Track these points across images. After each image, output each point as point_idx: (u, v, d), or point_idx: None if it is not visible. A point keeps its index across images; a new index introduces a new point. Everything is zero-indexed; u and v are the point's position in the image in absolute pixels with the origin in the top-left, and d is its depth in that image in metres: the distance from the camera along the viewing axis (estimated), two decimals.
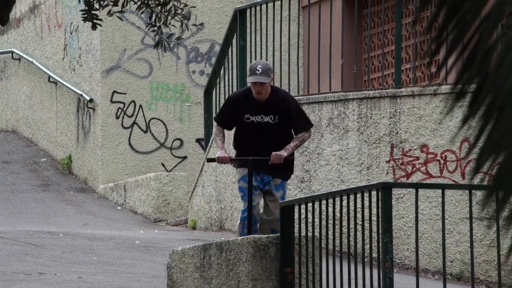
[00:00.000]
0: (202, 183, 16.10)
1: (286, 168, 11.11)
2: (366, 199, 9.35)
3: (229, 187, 15.18)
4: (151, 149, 18.61)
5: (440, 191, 10.01)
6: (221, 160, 11.22)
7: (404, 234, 10.89)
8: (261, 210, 11.60)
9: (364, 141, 13.57)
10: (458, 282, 10.37)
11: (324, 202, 9.79)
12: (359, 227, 9.37)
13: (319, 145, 13.93)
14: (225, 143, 11.24)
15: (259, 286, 9.88)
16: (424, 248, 10.54)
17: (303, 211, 9.93)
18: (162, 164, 18.36)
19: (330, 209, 9.68)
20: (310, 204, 9.87)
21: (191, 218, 16.31)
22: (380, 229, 9.19)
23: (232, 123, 11.22)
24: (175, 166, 18.35)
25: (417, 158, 13.16)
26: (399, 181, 12.70)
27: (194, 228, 15.96)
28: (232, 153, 12.04)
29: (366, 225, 9.32)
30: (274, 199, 11.13)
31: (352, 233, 9.37)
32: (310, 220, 9.83)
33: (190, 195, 16.60)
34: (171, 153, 18.60)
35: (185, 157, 18.41)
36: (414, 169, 13.12)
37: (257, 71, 10.81)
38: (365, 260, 9.30)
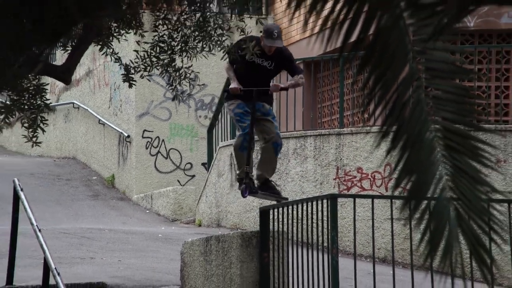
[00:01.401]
0: (206, 194, 16.05)
1: (270, 99, 10.17)
2: (320, 205, 9.36)
3: (224, 197, 15.13)
4: (170, 170, 18.52)
5: (370, 200, 10.00)
6: (233, 91, 9.82)
7: (346, 230, 10.85)
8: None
9: (318, 165, 13.53)
10: (383, 263, 10.30)
11: (290, 207, 9.76)
12: (314, 225, 9.35)
13: (287, 167, 13.87)
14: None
15: (245, 266, 9.82)
16: (359, 240, 10.49)
17: (276, 214, 9.91)
18: (178, 181, 18.25)
19: (295, 212, 9.65)
20: (281, 209, 9.86)
21: (197, 219, 16.22)
22: (329, 227, 9.19)
23: (238, 61, 9.72)
24: (186, 182, 18.25)
25: (355, 177, 13.13)
26: (342, 192, 12.66)
27: (200, 225, 15.86)
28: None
29: (320, 223, 9.30)
30: (268, 119, 10.01)
31: (310, 229, 9.35)
32: (281, 220, 9.81)
33: (197, 202, 16.52)
34: (184, 173, 18.50)
35: (193, 176, 18.31)
36: (353, 184, 13.09)
37: (274, 35, 9.61)
38: (319, 248, 9.28)
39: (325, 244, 9.21)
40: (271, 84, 10.11)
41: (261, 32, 9.71)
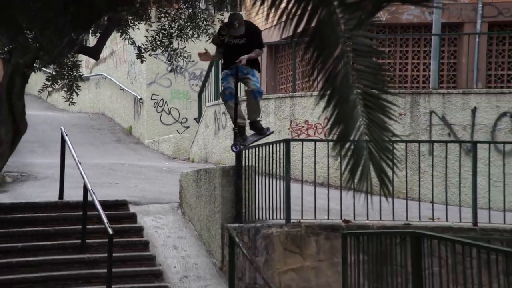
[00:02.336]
0: (197, 139, 16.08)
1: (252, 63, 9.21)
2: (278, 147, 9.44)
3: (210, 142, 15.17)
4: (171, 123, 18.51)
5: (313, 143, 10.09)
6: (205, 58, 9.58)
7: (296, 164, 10.92)
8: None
9: (277, 118, 13.59)
10: (321, 186, 10.43)
11: (257, 148, 9.82)
12: (274, 161, 9.43)
13: None
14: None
15: (225, 189, 9.87)
16: (305, 170, 10.57)
17: (247, 153, 9.97)
18: (177, 130, 18.23)
19: (260, 152, 9.72)
20: (250, 150, 9.92)
21: (191, 157, 16.27)
22: (284, 162, 9.28)
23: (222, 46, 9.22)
24: (183, 131, 18.25)
25: (303, 127, 13.21)
26: (294, 138, 12.75)
27: (193, 161, 15.91)
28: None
29: (278, 160, 9.39)
30: (248, 77, 9.26)
31: (271, 164, 9.43)
32: (250, 158, 9.88)
33: (191, 145, 16.56)
34: (181, 125, 18.50)
35: (188, 127, 18.31)
36: (301, 132, 13.17)
37: (235, 25, 8.99)
38: (277, 176, 9.38)
39: (281, 174, 9.31)
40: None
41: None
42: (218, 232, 9.92)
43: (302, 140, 10.65)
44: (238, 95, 9.56)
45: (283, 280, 8.85)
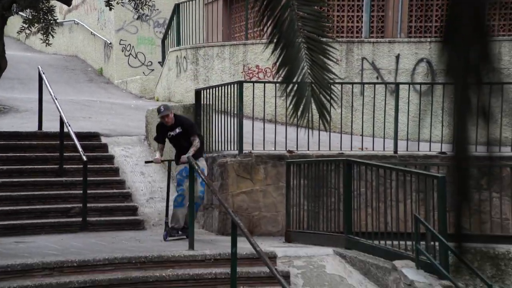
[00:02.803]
0: (161, 81, 15.87)
1: (196, 156, 8.13)
2: (232, 88, 9.40)
3: (172, 83, 15.02)
4: (138, 65, 18.19)
5: (263, 84, 10.07)
6: (156, 161, 8.57)
7: (248, 103, 10.87)
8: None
9: (232, 63, 13.50)
10: (270, 123, 10.44)
11: (215, 89, 9.77)
12: (228, 100, 9.40)
13: (212, 65, 13.81)
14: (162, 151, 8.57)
15: None
16: (256, 109, 10.57)
17: (205, 93, 9.92)
18: (143, 72, 17.95)
19: (217, 92, 9.67)
20: (209, 90, 9.86)
21: (156, 96, 16.08)
22: (237, 101, 9.26)
23: (162, 138, 8.49)
24: (149, 73, 17.98)
25: (254, 71, 13.16)
26: (246, 80, 12.71)
27: (157, 100, 15.70)
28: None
29: (232, 99, 9.36)
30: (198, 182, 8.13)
31: (226, 103, 9.41)
32: (208, 97, 9.83)
33: (156, 86, 16.35)
34: (147, 67, 18.21)
35: (153, 69, 18.02)
36: (253, 75, 13.12)
37: (161, 110, 8.31)
38: (231, 113, 9.39)
39: (235, 111, 9.30)
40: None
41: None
42: None
43: (253, 82, 10.62)
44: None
45: (236, 201, 8.97)
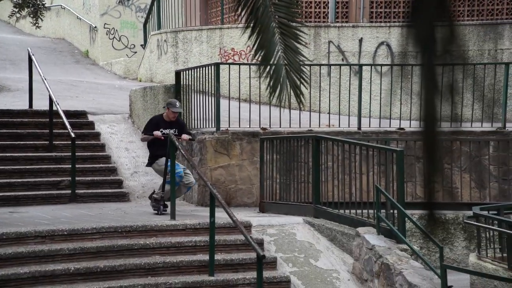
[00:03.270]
0: (143, 62, 15.58)
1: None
2: (210, 70, 9.25)
3: (154, 64, 14.78)
4: (121, 48, 17.81)
5: (238, 66, 9.93)
6: (157, 136, 7.74)
7: (225, 83, 10.73)
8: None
9: (209, 46, 13.30)
10: (245, 102, 10.36)
11: (194, 70, 9.60)
12: (206, 81, 9.26)
13: (190, 48, 13.61)
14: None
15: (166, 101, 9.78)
16: (232, 89, 10.44)
17: (185, 74, 9.75)
18: (126, 55, 17.59)
19: (196, 74, 9.51)
20: (188, 71, 9.70)
21: (139, 77, 15.81)
22: (215, 81, 9.11)
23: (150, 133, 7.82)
24: (132, 55, 17.62)
25: (230, 53, 12.99)
26: (222, 62, 12.54)
27: (140, 81, 15.45)
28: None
29: (210, 80, 9.22)
30: (187, 171, 7.94)
31: (204, 83, 9.27)
32: (188, 78, 9.68)
33: (138, 67, 16.05)
34: (130, 50, 17.84)
35: (136, 52, 17.64)
36: (229, 58, 12.97)
37: (176, 105, 7.79)
38: (209, 93, 9.25)
39: (213, 91, 9.18)
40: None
41: (164, 106, 8.08)
42: None
43: (229, 64, 10.47)
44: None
45: (214, 174, 8.91)
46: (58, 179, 8.93)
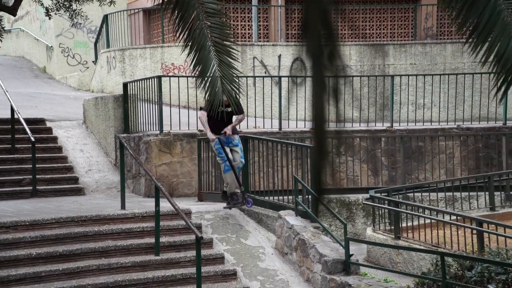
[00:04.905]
0: (95, 76, 15.11)
1: (234, 132, 7.00)
2: (153, 82, 9.05)
3: (104, 77, 14.36)
4: (75, 64, 17.15)
5: (177, 78, 9.76)
6: (212, 140, 6.97)
7: (166, 93, 10.53)
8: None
9: (152, 62, 13.08)
10: (184, 108, 10.24)
11: (139, 82, 9.37)
12: (151, 91, 9.08)
13: (136, 63, 13.31)
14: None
15: (116, 110, 9.51)
16: (172, 97, 10.31)
17: (132, 86, 9.52)
18: (80, 70, 17.02)
19: (141, 85, 9.30)
20: (134, 83, 9.47)
21: (91, 89, 15.28)
22: (157, 92, 8.92)
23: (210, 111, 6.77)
24: (85, 70, 17.00)
25: (171, 67, 12.83)
26: (164, 75, 12.35)
27: (92, 92, 14.94)
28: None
29: (153, 91, 9.05)
30: (236, 150, 7.08)
31: (148, 93, 9.09)
32: (134, 88, 9.45)
33: (91, 80, 15.54)
34: (83, 66, 17.26)
35: (88, 67, 17.07)
36: (169, 71, 12.78)
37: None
38: (153, 101, 9.08)
39: (156, 99, 9.04)
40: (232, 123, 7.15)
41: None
42: (112, 140, 9.62)
43: (170, 76, 10.38)
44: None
45: (158, 170, 8.80)
46: (20, 177, 8.54)
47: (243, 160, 7.00)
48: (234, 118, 7.18)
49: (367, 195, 7.84)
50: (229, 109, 6.82)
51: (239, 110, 7.05)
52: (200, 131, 9.10)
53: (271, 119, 9.82)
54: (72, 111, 11.43)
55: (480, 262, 4.78)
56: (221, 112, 6.77)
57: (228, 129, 6.93)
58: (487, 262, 4.70)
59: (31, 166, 8.32)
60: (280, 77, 10.17)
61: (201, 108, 7.05)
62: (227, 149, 6.82)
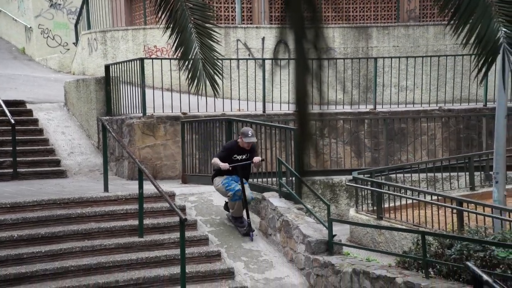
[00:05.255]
0: (76, 58, 14.84)
1: (248, 174, 6.76)
2: (135, 64, 8.98)
3: (86, 59, 14.13)
4: (55, 46, 16.83)
5: (160, 60, 9.64)
6: (224, 167, 6.42)
7: (149, 75, 10.46)
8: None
9: (134, 44, 12.90)
10: (167, 91, 10.17)
11: (121, 64, 9.27)
12: (133, 73, 8.99)
13: (118, 45, 13.13)
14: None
15: (98, 93, 9.42)
16: (155, 80, 10.18)
17: (114, 68, 9.39)
18: (60, 51, 16.72)
19: (123, 67, 9.20)
20: (116, 65, 9.35)
21: (72, 71, 15.05)
22: (140, 74, 8.86)
23: (224, 159, 6.48)
24: (65, 52, 16.73)
25: (153, 50, 12.69)
26: (146, 57, 12.23)
27: (73, 74, 14.72)
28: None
29: (136, 73, 8.94)
30: (246, 187, 6.54)
31: (131, 75, 8.99)
32: (116, 71, 9.34)
33: (72, 62, 15.29)
34: (63, 47, 16.95)
35: (69, 49, 16.79)
36: (152, 54, 12.63)
37: (249, 134, 6.42)
38: (136, 84, 9.00)
39: (139, 82, 8.96)
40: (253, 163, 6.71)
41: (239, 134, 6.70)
42: (95, 123, 9.53)
43: (152, 59, 10.24)
44: None
45: (142, 153, 8.77)
46: (1, 159, 8.42)
47: (253, 196, 6.71)
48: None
49: (350, 177, 7.92)
50: (244, 157, 6.51)
51: (255, 154, 6.68)
52: (184, 113, 9.07)
53: (255, 101, 9.82)
54: (52, 93, 11.26)
55: (459, 240, 4.89)
56: (236, 160, 6.46)
57: (258, 159, 6.51)
58: (466, 240, 4.82)
59: (11, 148, 8.21)
60: (263, 60, 10.13)
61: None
62: (239, 185, 6.45)
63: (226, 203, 6.80)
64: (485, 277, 2.76)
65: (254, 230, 6.67)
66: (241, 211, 6.62)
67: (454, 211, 6.49)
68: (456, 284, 4.76)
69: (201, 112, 9.14)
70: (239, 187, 6.45)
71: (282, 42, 12.26)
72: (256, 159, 6.54)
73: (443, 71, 10.74)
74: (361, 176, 7.62)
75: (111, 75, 9.43)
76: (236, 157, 6.52)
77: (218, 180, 6.61)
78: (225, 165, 6.41)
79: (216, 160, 6.53)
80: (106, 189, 6.92)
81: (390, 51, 12.09)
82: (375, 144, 9.57)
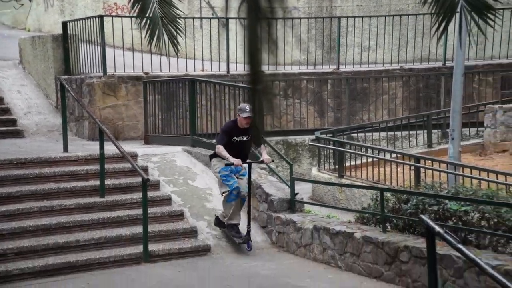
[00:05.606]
0: (31, 14, 14.20)
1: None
2: (94, 21, 8.63)
3: (41, 16, 13.50)
4: (8, 0, 15.97)
5: (120, 18, 9.36)
6: (238, 164, 5.72)
7: (110, 34, 10.14)
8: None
9: (94, 1, 12.40)
10: (129, 51, 9.89)
11: (80, 21, 8.92)
12: (92, 31, 8.66)
13: (76, 1, 12.55)
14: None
15: (56, 51, 9.09)
16: (116, 38, 9.89)
17: (71, 25, 9.03)
18: (14, 7, 15.74)
19: (82, 25, 8.86)
20: (74, 23, 8.99)
21: (27, 28, 14.37)
22: (100, 30, 8.56)
23: (226, 143, 5.79)
24: (19, 7, 15.68)
25: (113, 8, 12.25)
26: (107, 14, 11.77)
27: (29, 30, 14.07)
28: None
29: (95, 30, 8.63)
30: (242, 178, 5.86)
31: (91, 34, 8.68)
32: (75, 28, 8.97)
33: (26, 18, 14.59)
34: (17, 2, 15.89)
35: (22, 4, 15.78)
36: (112, 11, 12.19)
37: (247, 110, 5.77)
38: (93, 42, 8.71)
39: (99, 41, 8.62)
40: (261, 156, 6.11)
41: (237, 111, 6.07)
42: (53, 82, 9.24)
43: (112, 16, 9.90)
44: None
45: (103, 113, 8.61)
46: None
47: (247, 190, 5.95)
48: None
49: (313, 137, 8.01)
50: (245, 138, 5.91)
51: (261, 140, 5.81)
52: (146, 73, 8.88)
53: (219, 62, 9.67)
54: (7, 50, 10.81)
55: (415, 195, 5.06)
56: (238, 142, 5.89)
57: (267, 159, 5.97)
58: (422, 195, 5.00)
59: None
60: (227, 19, 9.93)
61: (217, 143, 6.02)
62: (237, 183, 5.87)
63: (217, 217, 6.05)
64: (437, 228, 2.88)
65: (251, 240, 5.90)
66: (237, 216, 5.89)
67: (412, 168, 6.64)
68: (411, 236, 4.95)
69: (164, 72, 8.97)
70: (237, 184, 5.84)
71: (246, 1, 12.00)
72: (267, 159, 5.96)
73: (404, 31, 10.82)
74: (323, 136, 7.71)
75: (69, 32, 9.08)
76: (235, 139, 5.87)
77: (217, 164, 5.89)
78: (238, 162, 5.71)
79: (223, 151, 5.76)
80: (65, 149, 6.78)
81: (354, 11, 12.05)
82: (338, 104, 9.67)
